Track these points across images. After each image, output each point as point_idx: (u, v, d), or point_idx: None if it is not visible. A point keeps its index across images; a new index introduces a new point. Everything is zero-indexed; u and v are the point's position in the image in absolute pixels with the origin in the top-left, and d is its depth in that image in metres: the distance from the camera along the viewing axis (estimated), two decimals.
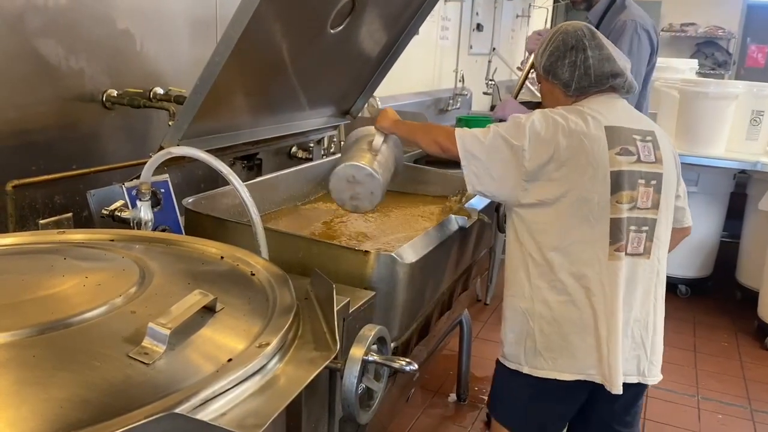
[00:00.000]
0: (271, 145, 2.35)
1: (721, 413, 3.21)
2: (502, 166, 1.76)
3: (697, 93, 4.27)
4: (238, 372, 0.87)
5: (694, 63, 6.22)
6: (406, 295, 1.62)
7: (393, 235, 2.13)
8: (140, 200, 1.64)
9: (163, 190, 1.78)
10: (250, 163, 2.42)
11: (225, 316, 1.03)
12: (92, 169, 1.99)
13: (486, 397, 3.20)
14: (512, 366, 1.88)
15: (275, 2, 1.63)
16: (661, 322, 1.91)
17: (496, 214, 2.32)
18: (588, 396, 1.87)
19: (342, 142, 2.90)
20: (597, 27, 3.04)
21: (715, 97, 4.22)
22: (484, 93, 5.97)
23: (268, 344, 0.95)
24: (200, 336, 0.96)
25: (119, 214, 1.69)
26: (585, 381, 1.80)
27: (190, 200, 1.88)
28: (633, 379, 1.83)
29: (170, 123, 1.96)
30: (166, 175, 1.81)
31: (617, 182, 1.73)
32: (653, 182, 1.79)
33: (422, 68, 4.88)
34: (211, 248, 1.34)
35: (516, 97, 2.93)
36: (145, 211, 1.65)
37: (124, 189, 1.70)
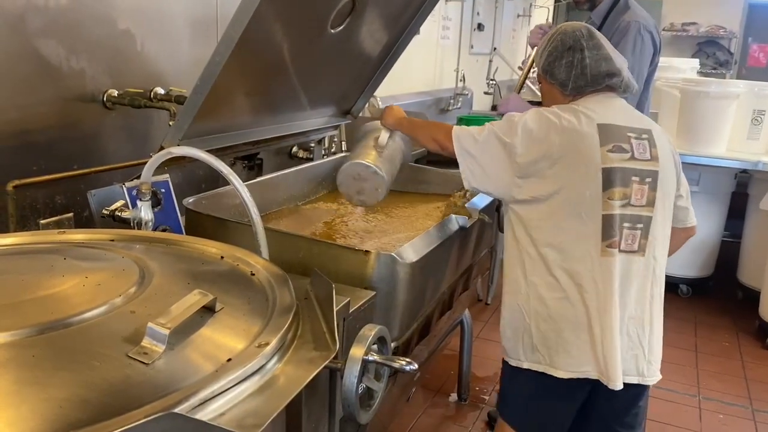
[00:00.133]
0: (272, 145, 2.35)
1: (722, 413, 3.21)
2: (495, 163, 1.80)
3: (698, 92, 4.27)
4: (237, 372, 0.87)
5: (695, 62, 6.22)
6: (406, 294, 1.62)
7: (394, 234, 2.14)
8: (141, 200, 1.64)
9: (163, 190, 1.79)
10: (250, 163, 2.43)
11: (224, 316, 1.03)
12: (93, 169, 1.99)
13: (487, 397, 3.21)
14: (513, 363, 1.90)
15: (275, 2, 1.63)
16: (659, 321, 1.90)
17: (497, 213, 2.32)
18: (588, 395, 1.88)
19: (343, 142, 2.94)
20: (600, 27, 3.05)
21: (717, 97, 4.22)
22: (485, 93, 5.97)
23: (267, 344, 0.95)
24: (200, 336, 0.96)
25: (120, 214, 1.69)
26: (582, 379, 1.80)
27: (190, 200, 1.88)
28: (632, 380, 1.83)
29: (171, 123, 1.96)
30: (167, 175, 1.82)
31: (609, 179, 1.75)
32: (648, 180, 1.80)
33: (423, 68, 4.88)
34: (211, 248, 1.34)
35: (519, 92, 2.94)
36: (145, 211, 1.65)
37: (125, 189, 1.71)
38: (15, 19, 1.75)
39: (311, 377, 0.95)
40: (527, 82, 4.21)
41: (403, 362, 1.19)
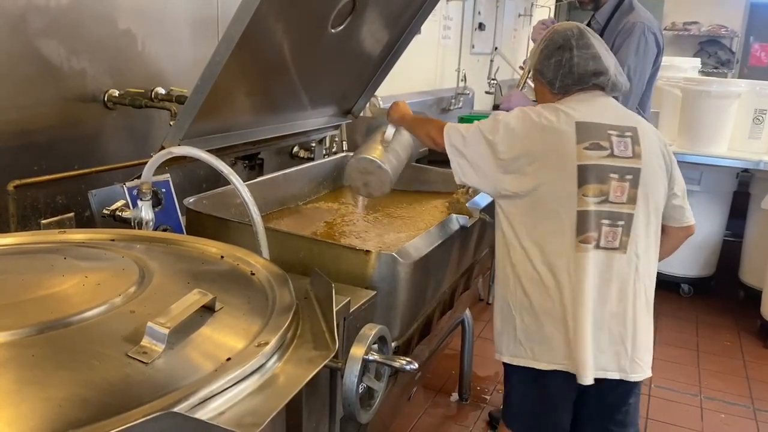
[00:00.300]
0: (273, 144, 2.36)
1: (723, 412, 3.20)
2: (481, 159, 1.85)
3: (699, 92, 4.26)
4: (236, 371, 0.87)
5: (696, 62, 6.20)
6: (407, 294, 1.62)
7: (395, 234, 2.14)
8: (141, 200, 1.65)
9: (164, 190, 1.79)
10: (251, 163, 2.43)
11: (224, 316, 1.03)
12: (94, 169, 1.99)
13: (488, 397, 3.21)
14: (503, 359, 1.95)
15: (276, 2, 1.64)
16: (645, 319, 1.90)
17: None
18: (579, 394, 1.91)
19: (344, 142, 2.97)
20: (604, 28, 3.06)
21: (718, 96, 4.21)
22: (487, 92, 5.96)
23: (267, 343, 0.95)
24: (199, 335, 0.96)
25: (120, 213, 1.70)
26: (566, 372, 1.84)
27: (191, 200, 1.88)
28: (613, 375, 1.85)
29: (171, 123, 1.96)
30: (167, 175, 1.82)
31: (583, 176, 1.78)
32: (629, 177, 1.82)
33: (424, 67, 4.88)
34: (212, 248, 1.35)
35: (521, 89, 2.94)
36: (145, 211, 1.65)
37: (126, 189, 1.71)
38: (16, 19, 1.75)
39: (311, 376, 0.95)
40: (529, 81, 4.21)
41: (404, 362, 1.19)
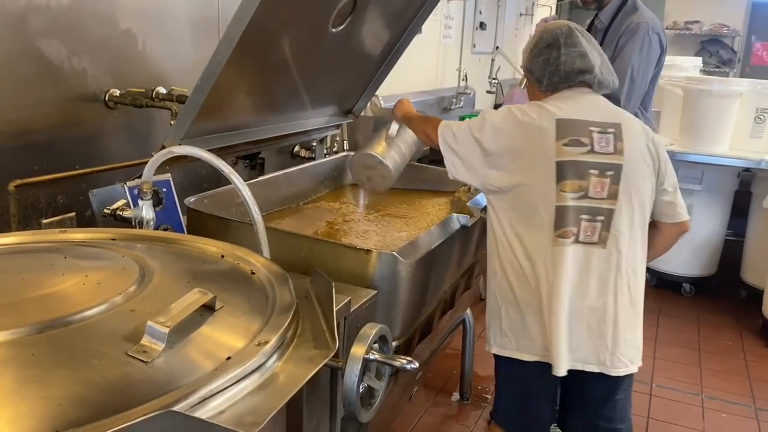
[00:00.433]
0: (274, 144, 2.36)
1: (725, 412, 3.20)
2: (470, 155, 1.89)
3: (701, 91, 4.25)
4: (236, 370, 0.87)
5: (698, 61, 6.19)
6: (407, 293, 1.62)
7: (395, 233, 2.14)
8: (142, 199, 1.65)
9: (165, 190, 1.79)
10: (252, 163, 2.43)
11: (224, 315, 1.03)
12: (94, 169, 1.99)
13: (489, 396, 3.20)
14: (493, 350, 1.99)
15: (276, 2, 1.63)
16: (627, 314, 1.89)
17: None
18: (562, 387, 1.97)
19: (345, 141, 2.98)
20: (608, 27, 3.06)
21: (719, 95, 4.20)
22: (488, 92, 5.96)
23: (267, 342, 0.95)
24: (199, 334, 0.96)
25: (121, 213, 1.70)
26: (546, 363, 1.87)
27: (192, 199, 1.88)
28: (592, 368, 1.88)
29: (172, 122, 1.96)
30: (168, 175, 1.82)
31: (561, 172, 1.81)
32: (609, 173, 1.83)
33: (425, 67, 4.87)
34: (212, 247, 1.35)
35: (522, 87, 2.95)
36: (146, 211, 1.66)
37: (126, 188, 1.71)
38: (17, 19, 1.75)
39: (311, 375, 0.95)
40: None
41: (404, 361, 1.19)
